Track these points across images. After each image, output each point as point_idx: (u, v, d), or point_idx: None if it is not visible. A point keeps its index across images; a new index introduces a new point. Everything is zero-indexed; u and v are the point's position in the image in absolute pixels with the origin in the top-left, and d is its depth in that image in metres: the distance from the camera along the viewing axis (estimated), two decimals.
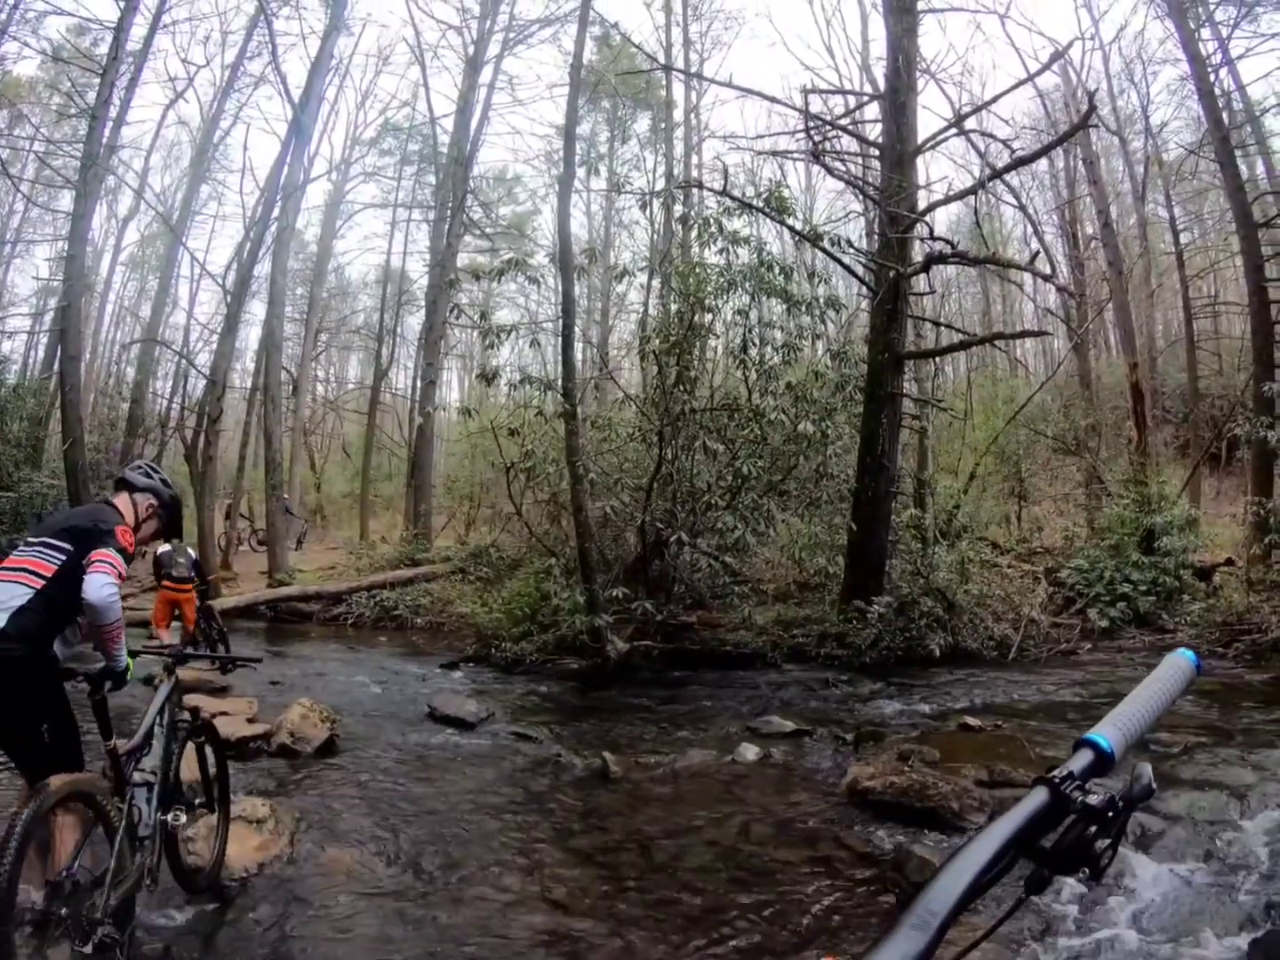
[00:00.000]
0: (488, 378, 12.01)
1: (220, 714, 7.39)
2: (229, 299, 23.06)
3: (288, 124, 24.14)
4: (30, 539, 3.61)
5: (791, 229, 12.81)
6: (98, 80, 21.83)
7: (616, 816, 5.70)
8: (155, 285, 34.14)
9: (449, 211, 24.30)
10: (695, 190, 16.52)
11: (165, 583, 10.93)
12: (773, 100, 14.93)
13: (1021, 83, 13.89)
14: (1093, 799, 0.91)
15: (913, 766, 5.69)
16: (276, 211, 22.70)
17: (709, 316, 11.97)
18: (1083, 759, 0.99)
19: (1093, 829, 0.90)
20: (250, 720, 7.73)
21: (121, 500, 3.96)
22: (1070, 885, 4.02)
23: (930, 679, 10.18)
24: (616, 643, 10.66)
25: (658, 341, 11.83)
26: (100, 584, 3.30)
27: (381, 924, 4.15)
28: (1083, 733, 1.01)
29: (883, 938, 0.79)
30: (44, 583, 3.38)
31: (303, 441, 31.45)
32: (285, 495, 23.22)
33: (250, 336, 35.03)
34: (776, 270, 11.65)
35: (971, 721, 7.63)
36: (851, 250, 12.91)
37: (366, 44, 63.82)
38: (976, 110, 13.96)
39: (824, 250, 12.77)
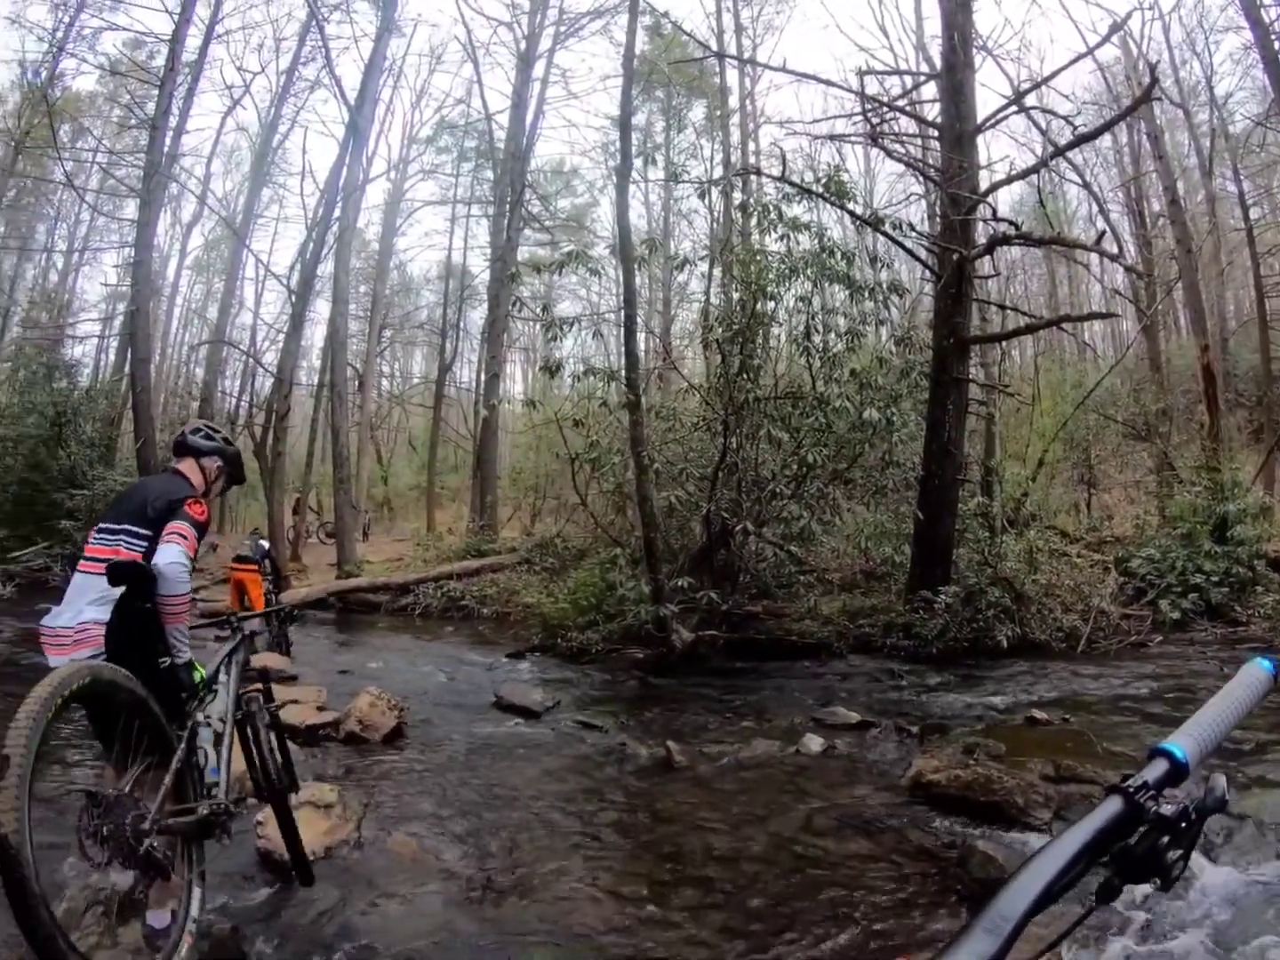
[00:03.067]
0: (551, 370, 12.00)
1: (290, 701, 7.54)
2: (294, 298, 23.44)
3: (345, 126, 24.49)
4: (112, 525, 3.68)
5: (852, 213, 12.70)
6: (156, 92, 22.60)
7: (680, 806, 5.68)
8: (221, 287, 34.98)
9: (508, 206, 24.47)
10: (754, 177, 16.44)
11: (232, 563, 11.24)
12: (828, 83, 14.81)
13: (1081, 57, 13.65)
14: (1166, 809, 0.91)
15: (978, 760, 5.61)
16: (337, 212, 23.01)
17: (771, 304, 11.79)
18: (1157, 768, 0.98)
19: (1165, 839, 0.90)
20: (319, 708, 7.86)
21: (188, 466, 4.02)
22: (1136, 889, 3.95)
23: (997, 671, 9.98)
24: (682, 632, 10.65)
25: (720, 330, 11.78)
26: (170, 554, 3.41)
27: (445, 909, 4.20)
28: (1156, 738, 1.01)
29: (954, 940, 0.80)
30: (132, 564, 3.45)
31: (369, 436, 31.89)
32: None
33: (315, 335, 35.69)
34: (838, 256, 11.49)
35: (1039, 715, 7.51)
36: (913, 234, 12.71)
37: (418, 44, 64.31)
38: (1036, 86, 13.59)
39: (885, 234, 12.60)
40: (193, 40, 24.03)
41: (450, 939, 3.89)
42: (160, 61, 25.15)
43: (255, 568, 11.76)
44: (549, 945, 3.84)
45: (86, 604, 3.43)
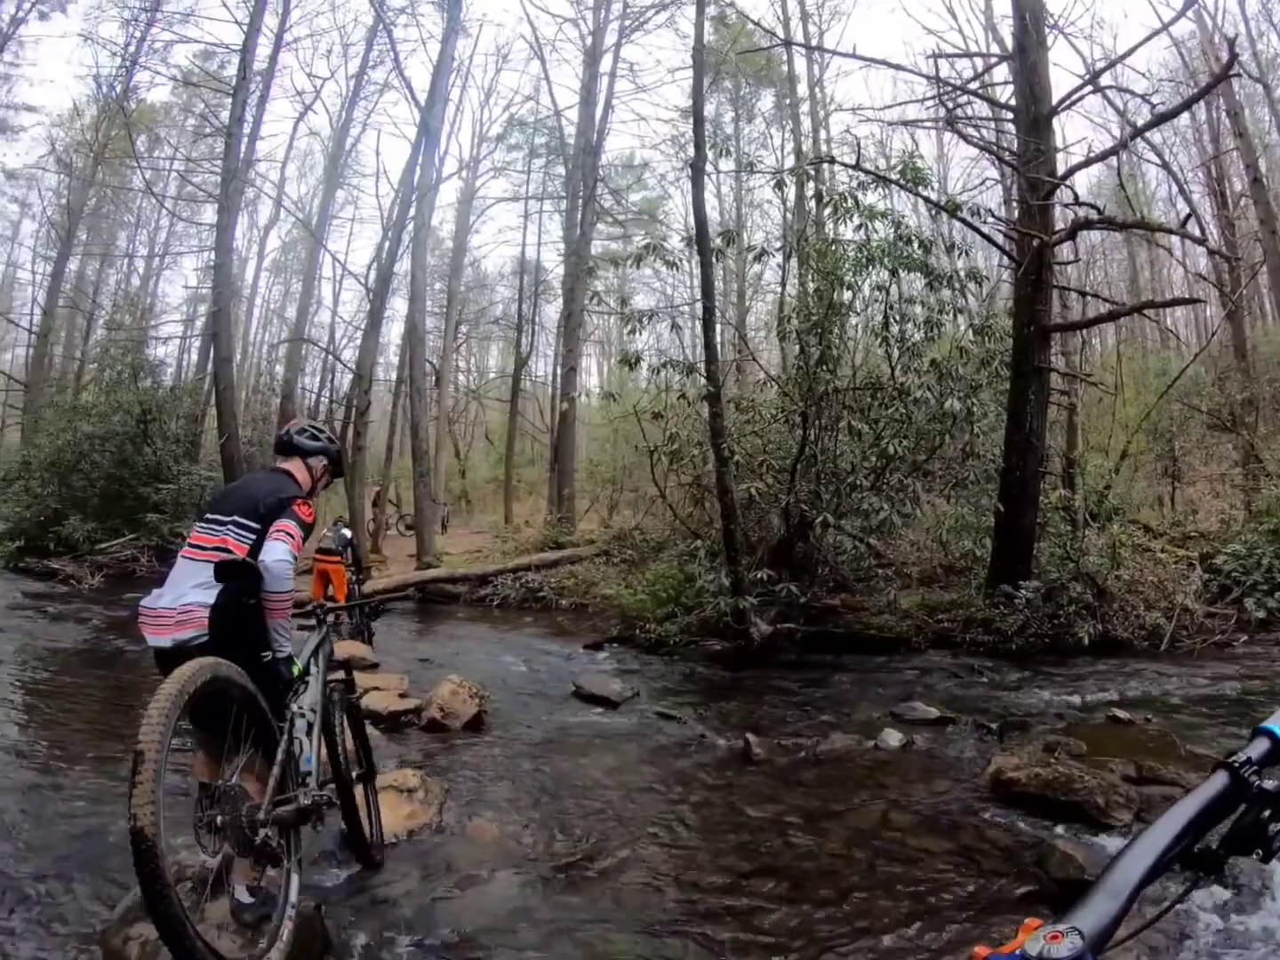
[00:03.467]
0: (630, 362, 12.06)
1: (373, 689, 7.74)
2: (371, 297, 23.79)
3: (416, 127, 24.78)
4: (220, 516, 3.82)
5: (927, 200, 12.50)
6: (229, 100, 23.20)
7: (757, 798, 5.72)
8: (299, 287, 35.68)
9: (580, 201, 24.51)
10: (827, 165, 16.30)
11: (316, 555, 11.52)
12: (897, 68, 14.53)
13: (1155, 33, 13.28)
14: (1269, 784, 0.96)
15: (1058, 759, 5.56)
16: (412, 211, 23.27)
17: (848, 294, 11.70)
18: (1260, 746, 1.04)
19: (1267, 813, 0.96)
20: (401, 695, 8.08)
21: (295, 465, 4.19)
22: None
23: (1078, 668, 9.80)
24: (760, 625, 10.62)
25: (798, 321, 11.73)
26: (277, 552, 3.59)
27: (522, 894, 4.31)
28: (1239, 741, 1.05)
29: (1077, 904, 0.87)
30: (238, 559, 3.62)
31: (447, 430, 32.27)
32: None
33: (392, 331, 36.16)
34: (915, 244, 11.34)
35: (1120, 714, 7.41)
36: (991, 219, 12.44)
37: (485, 44, 64.67)
38: (1111, 65, 13.16)
39: (963, 221, 12.35)
40: (262, 49, 24.64)
41: (526, 923, 4.00)
42: (231, 71, 25.83)
43: (339, 559, 12.05)
44: (623, 932, 3.92)
45: (190, 587, 3.56)
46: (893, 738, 6.89)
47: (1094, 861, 4.09)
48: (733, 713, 8.30)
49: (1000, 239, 12.89)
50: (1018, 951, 0.82)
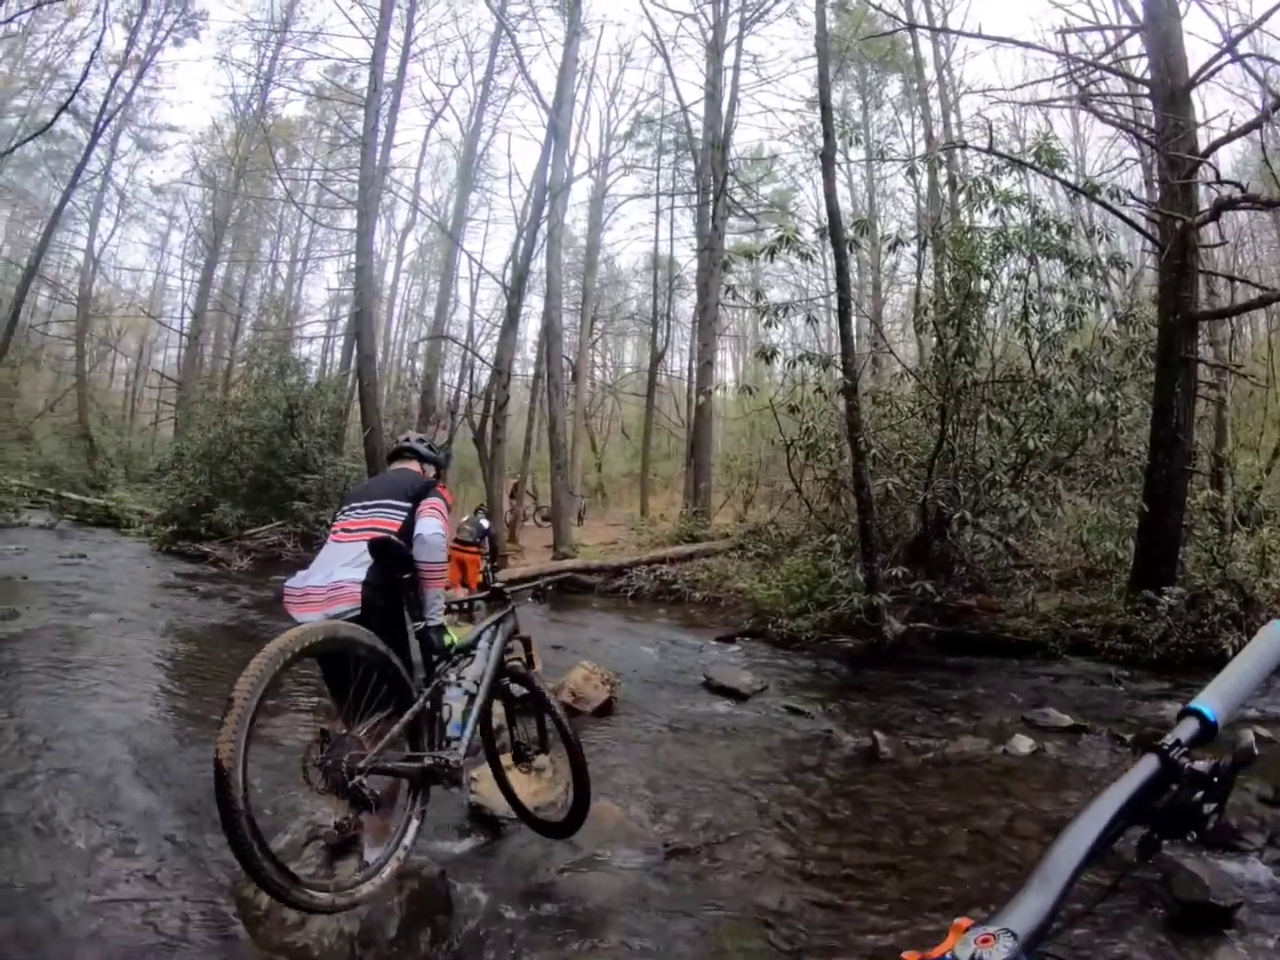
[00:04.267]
0: (766, 356, 11.90)
1: None
2: (509, 295, 24.25)
3: (545, 128, 25.23)
4: (366, 502, 4.18)
5: (1064, 183, 12.10)
6: (361, 112, 24.27)
7: (882, 797, 5.70)
8: (437, 287, 36.94)
9: (711, 195, 24.53)
10: (959, 150, 15.91)
11: (452, 546, 11.87)
12: (1026, 45, 14.12)
13: None
14: (1199, 765, 0.97)
15: None
16: (545, 211, 23.71)
17: (986, 283, 11.42)
18: (1188, 727, 1.04)
19: (1200, 793, 0.96)
20: None
21: (414, 465, 4.58)
22: None
23: None
24: (893, 623, 10.50)
25: (935, 312, 11.55)
26: (432, 526, 3.94)
27: (640, 875, 4.42)
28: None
29: (1013, 894, 0.87)
30: (390, 535, 3.89)
31: (583, 424, 32.64)
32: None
33: (529, 328, 36.81)
34: (1054, 229, 11.03)
35: (1261, 733, 7.05)
36: (1131, 201, 11.92)
37: (607, 43, 65.45)
38: (1248, 31, 12.21)
39: (1102, 203, 11.79)
40: (390, 61, 25.74)
41: (642, 903, 4.10)
42: (361, 84, 27.27)
43: (476, 549, 12.39)
44: (737, 919, 3.97)
45: (340, 566, 3.81)
46: (1023, 744, 6.73)
47: (1220, 885, 3.95)
48: (861, 711, 8.23)
49: (1142, 222, 12.35)
50: (948, 955, 0.81)
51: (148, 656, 9.08)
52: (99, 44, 18.92)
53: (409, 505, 4.07)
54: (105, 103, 28.54)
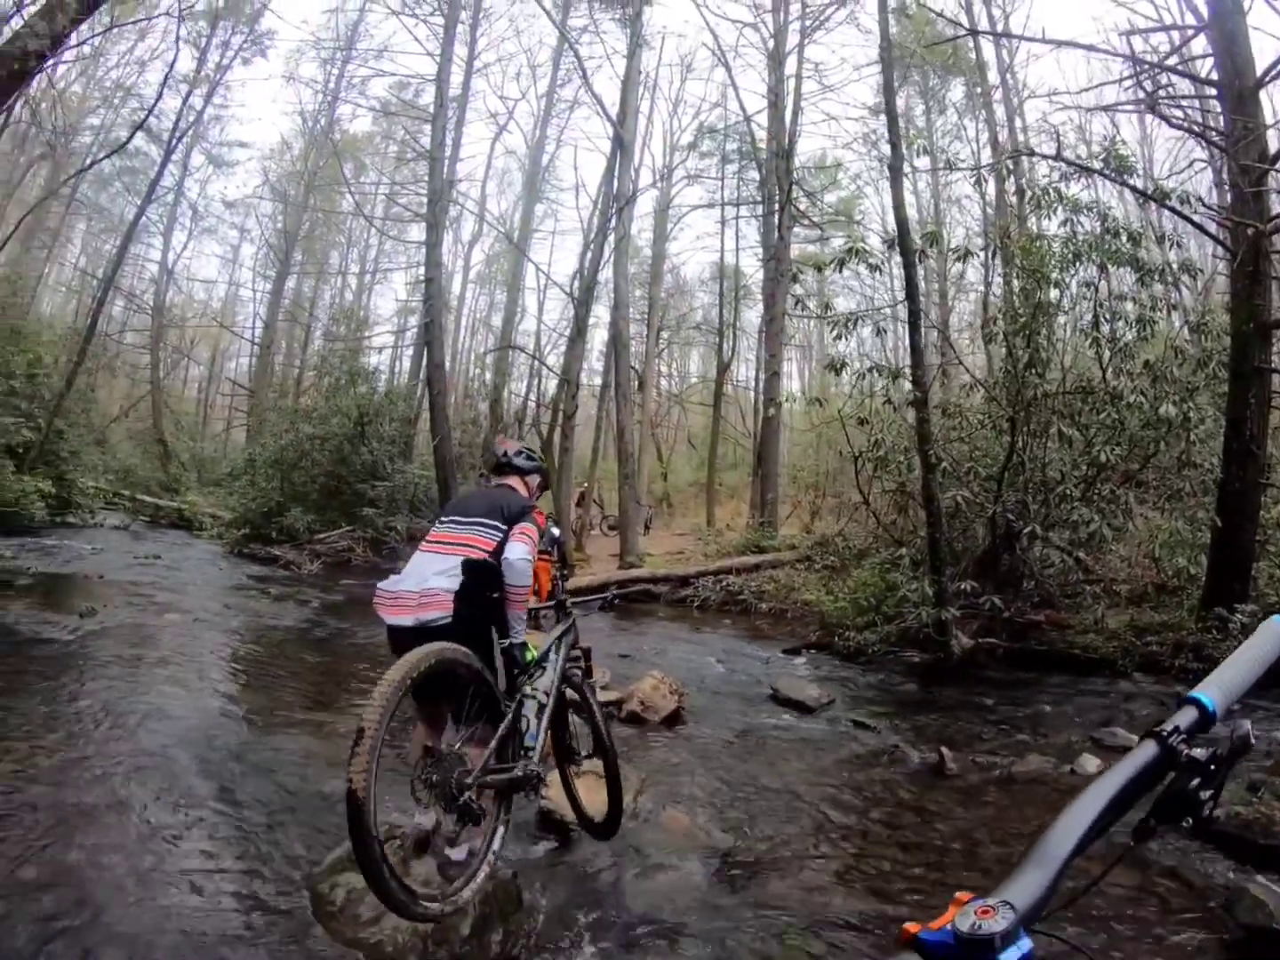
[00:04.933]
0: (835, 368, 11.84)
1: None
2: (576, 305, 24.45)
3: (609, 140, 25.45)
4: (461, 518, 4.37)
5: (1134, 189, 11.88)
6: (427, 126, 24.92)
7: (947, 813, 5.68)
8: (504, 297, 37.54)
9: (776, 205, 24.46)
10: (1025, 157, 15.71)
11: None
12: (1089, 48, 13.92)
13: None
14: (1197, 752, 0.99)
15: (1261, 798, 5.20)
16: (612, 222, 23.86)
17: (1055, 292, 11.26)
18: (1187, 715, 1.06)
19: (1196, 780, 0.98)
20: (603, 687, 8.30)
21: (515, 482, 4.82)
22: None
23: None
24: (961, 638, 10.40)
25: (1004, 322, 11.39)
26: (520, 550, 4.15)
27: (706, 883, 4.49)
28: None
29: (1010, 875, 0.91)
30: (485, 555, 4.14)
31: (650, 434, 32.75)
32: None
33: (595, 338, 37.02)
34: (1123, 236, 10.80)
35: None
36: (1201, 207, 11.57)
37: (668, 55, 65.66)
38: None
39: (1172, 209, 11.40)
40: (455, 76, 26.20)
41: (707, 911, 4.16)
42: (426, 99, 27.95)
43: (547, 556, 12.49)
44: (800, 932, 4.00)
45: (433, 574, 4.00)
46: (1090, 763, 6.63)
47: None
48: (928, 726, 8.19)
49: (1213, 227, 12.08)
50: (948, 926, 0.84)
51: (221, 655, 9.36)
52: (171, 66, 19.47)
53: (504, 528, 4.27)
54: (177, 121, 29.47)
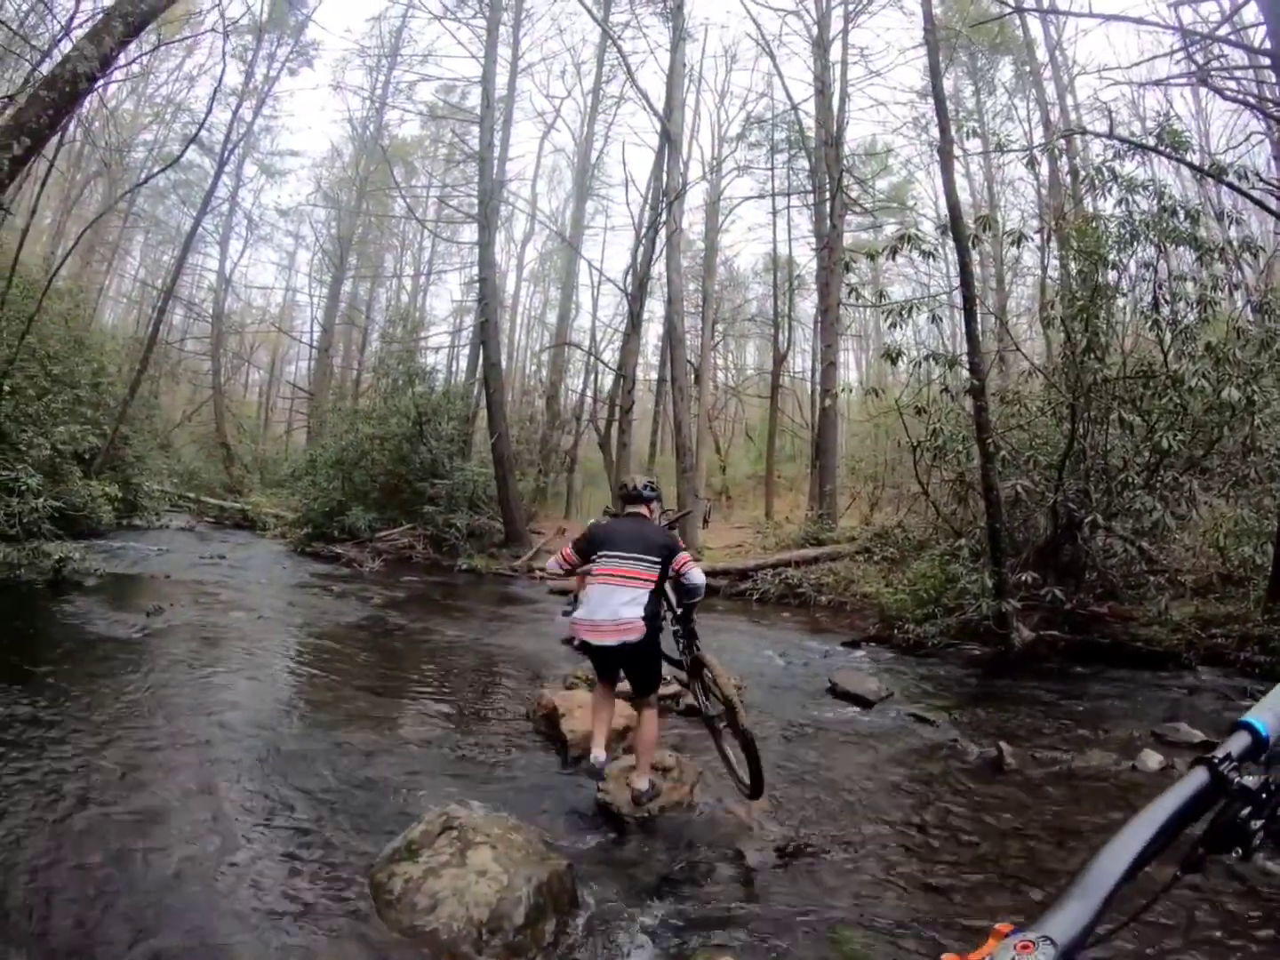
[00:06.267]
0: (891, 357, 11.71)
1: None
2: (630, 300, 24.48)
3: (657, 134, 25.48)
4: (622, 553, 5.29)
5: (1190, 165, 11.55)
6: (475, 128, 25.41)
7: (1005, 809, 5.62)
8: (558, 294, 37.89)
9: (827, 193, 24.29)
10: (1078, 136, 15.38)
11: None
12: (1139, 21, 13.61)
13: None
14: (1248, 780, 0.97)
15: None
16: (664, 216, 23.83)
17: (1113, 274, 11.00)
18: (1239, 741, 1.04)
19: (1247, 809, 0.96)
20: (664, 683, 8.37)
21: (645, 510, 5.70)
22: None
23: None
24: (1022, 630, 10.26)
25: (1061, 306, 11.23)
26: (699, 573, 5.41)
27: (761, 876, 4.53)
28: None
29: (1053, 904, 0.90)
30: (653, 585, 5.23)
31: (707, 427, 32.72)
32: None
33: (650, 332, 37.08)
34: (1181, 214, 10.50)
35: None
36: (1260, 182, 11.28)
37: (711, 46, 65.72)
38: None
39: (1229, 185, 11.12)
40: (500, 77, 26.61)
41: (762, 904, 4.19)
42: (472, 101, 28.32)
43: None
44: (855, 926, 3.99)
45: (620, 605, 5.09)
46: (1152, 759, 6.51)
47: None
48: (987, 720, 8.10)
49: (1273, 203, 11.76)
50: (987, 959, 0.83)
51: (286, 652, 9.60)
52: (219, 81, 19.88)
53: (660, 561, 5.26)
54: (228, 133, 30.36)
